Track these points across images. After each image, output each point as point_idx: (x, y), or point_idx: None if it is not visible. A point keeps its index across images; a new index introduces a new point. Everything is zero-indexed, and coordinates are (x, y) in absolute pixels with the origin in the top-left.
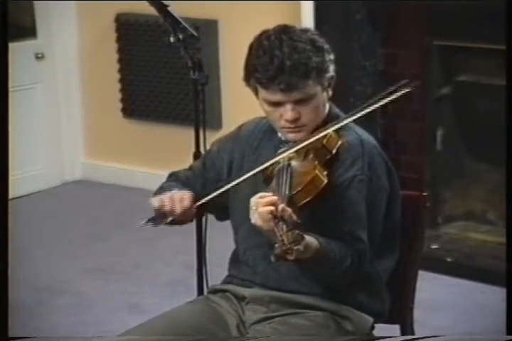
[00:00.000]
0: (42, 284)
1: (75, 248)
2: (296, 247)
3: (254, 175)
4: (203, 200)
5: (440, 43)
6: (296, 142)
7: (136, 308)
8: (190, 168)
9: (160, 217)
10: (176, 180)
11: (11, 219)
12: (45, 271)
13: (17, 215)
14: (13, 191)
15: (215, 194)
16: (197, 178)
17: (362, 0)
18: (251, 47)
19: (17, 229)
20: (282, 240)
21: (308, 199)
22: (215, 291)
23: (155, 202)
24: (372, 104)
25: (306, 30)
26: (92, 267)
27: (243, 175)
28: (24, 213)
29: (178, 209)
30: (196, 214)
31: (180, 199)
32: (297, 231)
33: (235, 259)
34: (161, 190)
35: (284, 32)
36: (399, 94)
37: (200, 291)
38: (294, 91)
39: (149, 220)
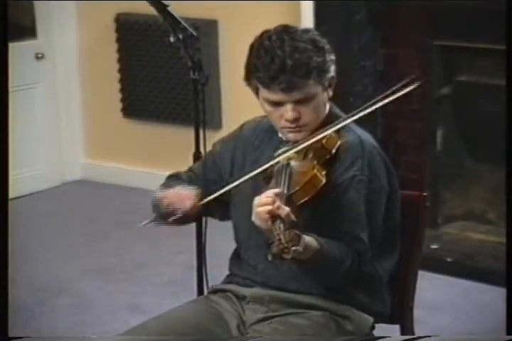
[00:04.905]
0: (42, 284)
1: (75, 248)
2: (294, 248)
3: (255, 175)
4: (209, 198)
5: (440, 43)
6: (296, 142)
7: (137, 308)
8: (190, 170)
9: (166, 215)
10: (177, 179)
11: (11, 219)
12: (45, 271)
13: (17, 215)
14: (13, 191)
15: (219, 193)
16: (198, 179)
17: (362, 0)
18: (252, 47)
19: (17, 229)
20: (279, 239)
21: (306, 199)
22: (215, 291)
23: (161, 198)
24: (375, 103)
25: (307, 30)
26: (92, 267)
27: (245, 175)
28: (24, 213)
29: (187, 206)
30: (202, 213)
31: (187, 195)
32: (295, 231)
33: (237, 258)
34: (164, 187)
35: (286, 32)
36: (405, 91)
37: (200, 291)
38: (294, 91)
39: (153, 219)
